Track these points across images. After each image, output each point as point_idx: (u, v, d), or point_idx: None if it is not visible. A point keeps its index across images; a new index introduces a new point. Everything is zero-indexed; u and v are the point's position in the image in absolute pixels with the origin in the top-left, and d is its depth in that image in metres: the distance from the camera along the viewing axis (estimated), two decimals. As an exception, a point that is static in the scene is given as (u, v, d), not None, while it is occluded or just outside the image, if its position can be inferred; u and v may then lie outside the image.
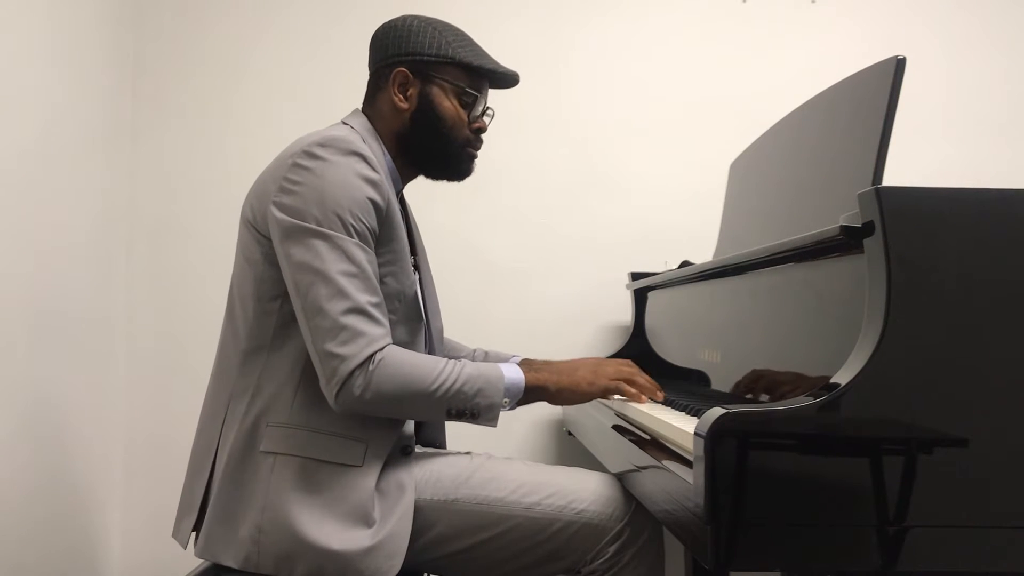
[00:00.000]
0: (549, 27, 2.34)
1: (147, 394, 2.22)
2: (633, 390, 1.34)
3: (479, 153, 1.42)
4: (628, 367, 1.37)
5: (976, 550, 0.90)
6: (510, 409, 1.27)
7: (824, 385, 0.92)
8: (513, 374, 1.27)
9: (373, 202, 1.23)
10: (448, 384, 1.21)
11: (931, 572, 0.90)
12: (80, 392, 1.96)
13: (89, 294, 2.01)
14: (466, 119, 1.38)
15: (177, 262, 2.25)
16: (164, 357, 2.23)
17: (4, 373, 1.62)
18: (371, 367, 1.17)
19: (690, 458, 0.93)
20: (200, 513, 1.26)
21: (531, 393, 1.28)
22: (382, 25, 1.40)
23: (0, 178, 1.60)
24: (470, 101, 1.38)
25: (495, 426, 1.26)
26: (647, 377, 1.37)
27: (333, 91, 2.20)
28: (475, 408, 1.23)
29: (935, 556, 0.89)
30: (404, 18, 1.38)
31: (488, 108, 1.42)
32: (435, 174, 1.43)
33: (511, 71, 1.41)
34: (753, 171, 1.75)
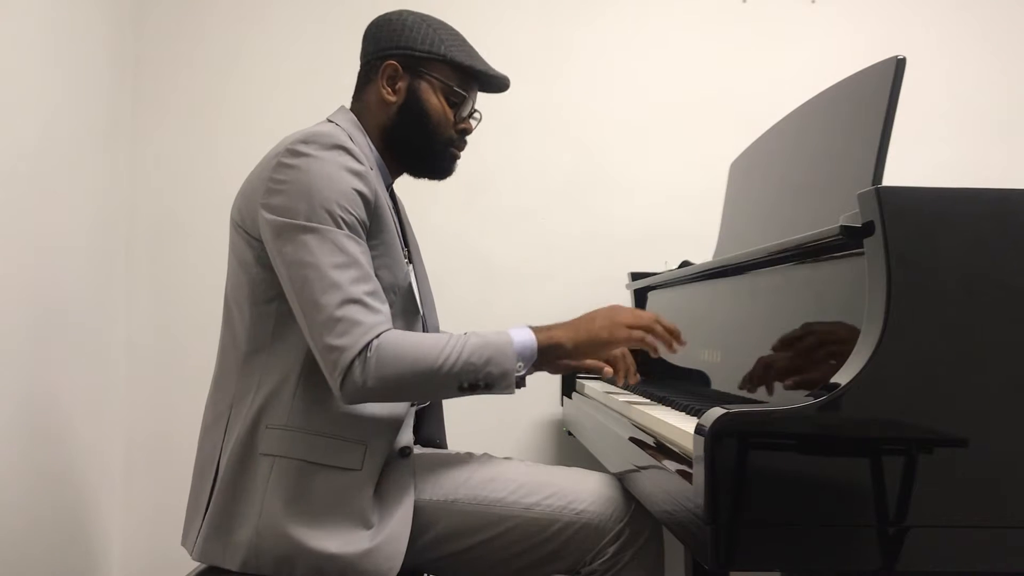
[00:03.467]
0: (549, 27, 2.33)
1: (147, 394, 2.22)
2: (653, 342, 1.27)
3: (463, 155, 1.41)
4: (646, 314, 1.30)
5: (976, 550, 0.90)
6: (527, 374, 1.23)
7: (824, 385, 0.92)
8: (523, 336, 1.22)
9: (360, 193, 1.22)
10: (454, 358, 1.17)
11: (931, 572, 0.90)
12: (80, 392, 1.95)
13: (89, 294, 2.00)
14: (452, 118, 1.37)
15: (177, 262, 2.24)
16: (164, 356, 2.23)
17: (4, 373, 1.62)
18: (369, 354, 1.14)
19: (690, 458, 0.93)
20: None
21: (546, 353, 1.24)
22: (377, 18, 1.40)
23: (0, 178, 1.60)
24: (458, 101, 1.37)
25: (513, 393, 1.21)
26: (667, 323, 1.30)
27: (334, 91, 2.19)
28: (488, 378, 1.19)
29: (935, 556, 0.89)
30: (400, 12, 1.38)
31: (476, 111, 1.41)
32: (416, 171, 1.43)
33: (502, 75, 1.40)
34: (753, 171, 1.75)
